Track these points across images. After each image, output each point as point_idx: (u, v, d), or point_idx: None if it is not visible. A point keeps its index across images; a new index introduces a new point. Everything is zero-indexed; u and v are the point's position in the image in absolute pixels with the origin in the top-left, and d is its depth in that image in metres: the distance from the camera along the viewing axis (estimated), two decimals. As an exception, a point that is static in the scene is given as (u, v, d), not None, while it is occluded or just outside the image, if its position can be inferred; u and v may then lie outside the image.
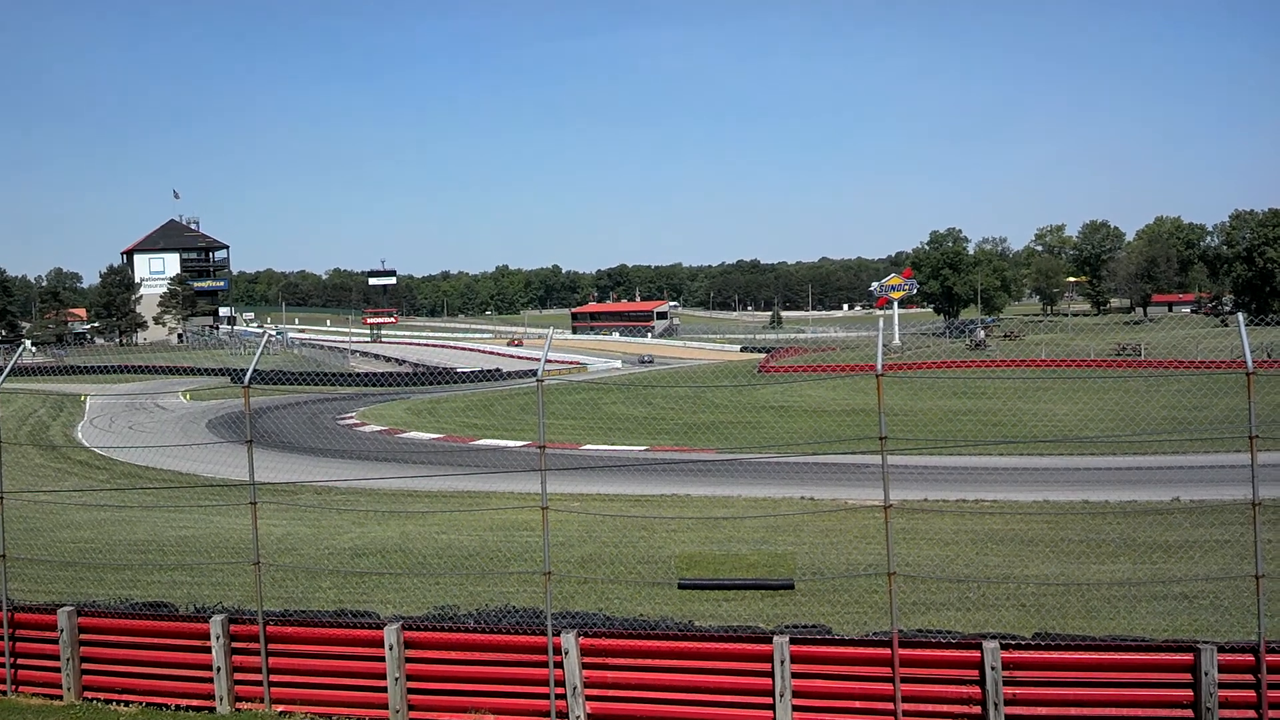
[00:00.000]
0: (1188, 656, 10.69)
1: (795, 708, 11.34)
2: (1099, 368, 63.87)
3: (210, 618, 12.94)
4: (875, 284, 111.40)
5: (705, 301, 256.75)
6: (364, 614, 13.19)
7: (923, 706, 11.19)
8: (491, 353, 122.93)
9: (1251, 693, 10.55)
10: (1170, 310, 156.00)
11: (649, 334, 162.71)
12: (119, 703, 13.08)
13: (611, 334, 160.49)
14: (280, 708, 12.59)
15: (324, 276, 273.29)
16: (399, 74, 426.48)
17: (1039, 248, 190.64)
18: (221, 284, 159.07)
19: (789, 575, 17.15)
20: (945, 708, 11.16)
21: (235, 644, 12.86)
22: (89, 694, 13.28)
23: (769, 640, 11.52)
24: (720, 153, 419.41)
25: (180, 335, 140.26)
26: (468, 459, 37.48)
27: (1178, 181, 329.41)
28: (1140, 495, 25.34)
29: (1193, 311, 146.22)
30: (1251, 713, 10.53)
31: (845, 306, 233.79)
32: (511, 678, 12.14)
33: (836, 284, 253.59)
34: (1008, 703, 10.90)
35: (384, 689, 12.25)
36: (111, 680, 13.25)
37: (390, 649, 12.20)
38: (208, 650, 12.80)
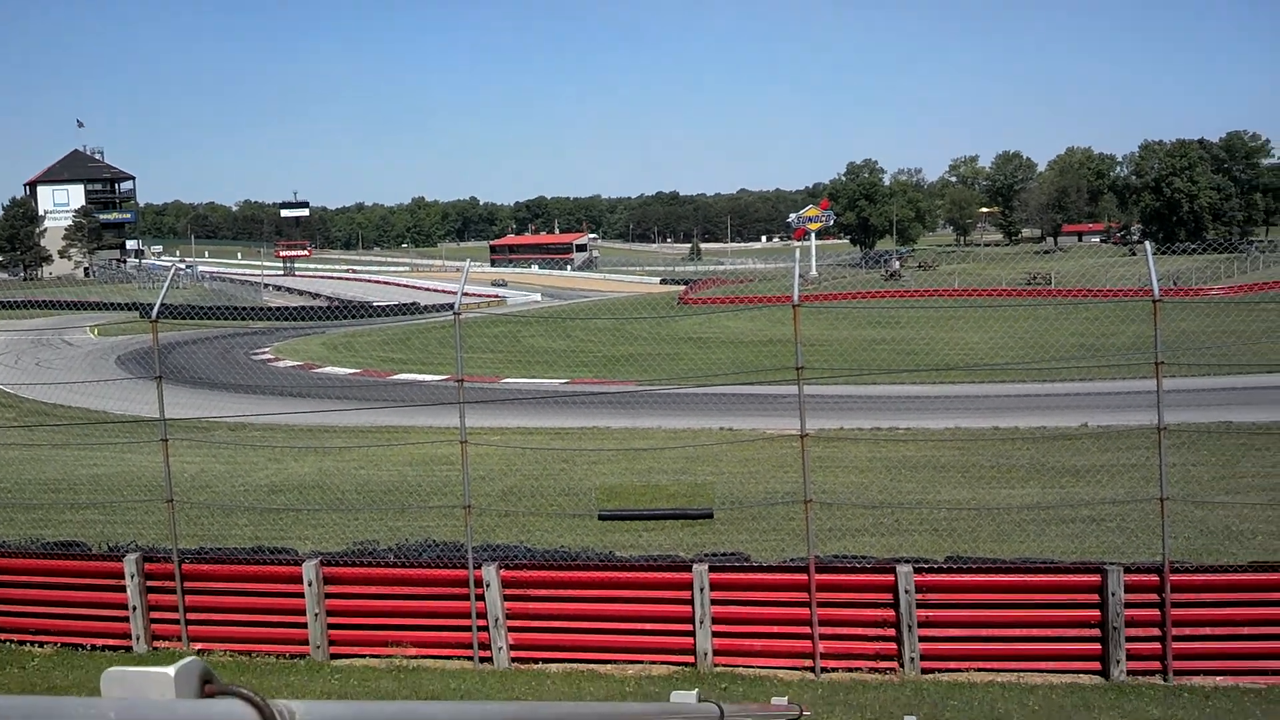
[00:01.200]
0: (1095, 577, 11.00)
1: (715, 634, 11.51)
2: (1011, 297, 64.81)
3: (124, 556, 12.77)
4: (793, 215, 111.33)
5: (625, 234, 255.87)
6: (282, 550, 13.10)
7: (839, 630, 11.42)
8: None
9: (1156, 611, 10.90)
10: (1080, 240, 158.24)
11: (568, 266, 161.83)
12: (33, 644, 12.88)
13: (531, 267, 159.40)
14: (199, 646, 12.49)
15: (234, 209, 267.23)
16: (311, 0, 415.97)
17: (953, 179, 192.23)
18: (128, 216, 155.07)
19: (708, 505, 17.28)
20: (861, 630, 11.40)
21: (150, 583, 12.71)
22: (1, 635, 13.05)
23: (689, 569, 11.65)
24: (639, 83, 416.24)
25: (87, 269, 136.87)
26: (386, 393, 37.16)
27: (1089, 112, 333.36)
28: (1050, 421, 25.86)
29: (1102, 241, 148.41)
30: (1156, 630, 10.89)
31: (764, 238, 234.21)
32: (433, 611, 12.16)
33: (755, 215, 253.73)
34: (921, 624, 11.15)
35: (304, 625, 12.20)
36: (24, 621, 13.04)
37: (309, 585, 12.14)
38: (123, 589, 12.64)
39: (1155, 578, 10.95)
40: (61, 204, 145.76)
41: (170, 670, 1.22)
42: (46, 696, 1.05)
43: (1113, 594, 10.86)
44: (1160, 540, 11.05)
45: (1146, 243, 13.46)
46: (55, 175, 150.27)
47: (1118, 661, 10.88)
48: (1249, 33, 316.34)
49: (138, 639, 12.61)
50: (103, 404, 32.20)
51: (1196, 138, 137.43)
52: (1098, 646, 11.02)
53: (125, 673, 1.24)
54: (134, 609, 12.61)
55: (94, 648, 12.68)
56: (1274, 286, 59.97)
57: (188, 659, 1.25)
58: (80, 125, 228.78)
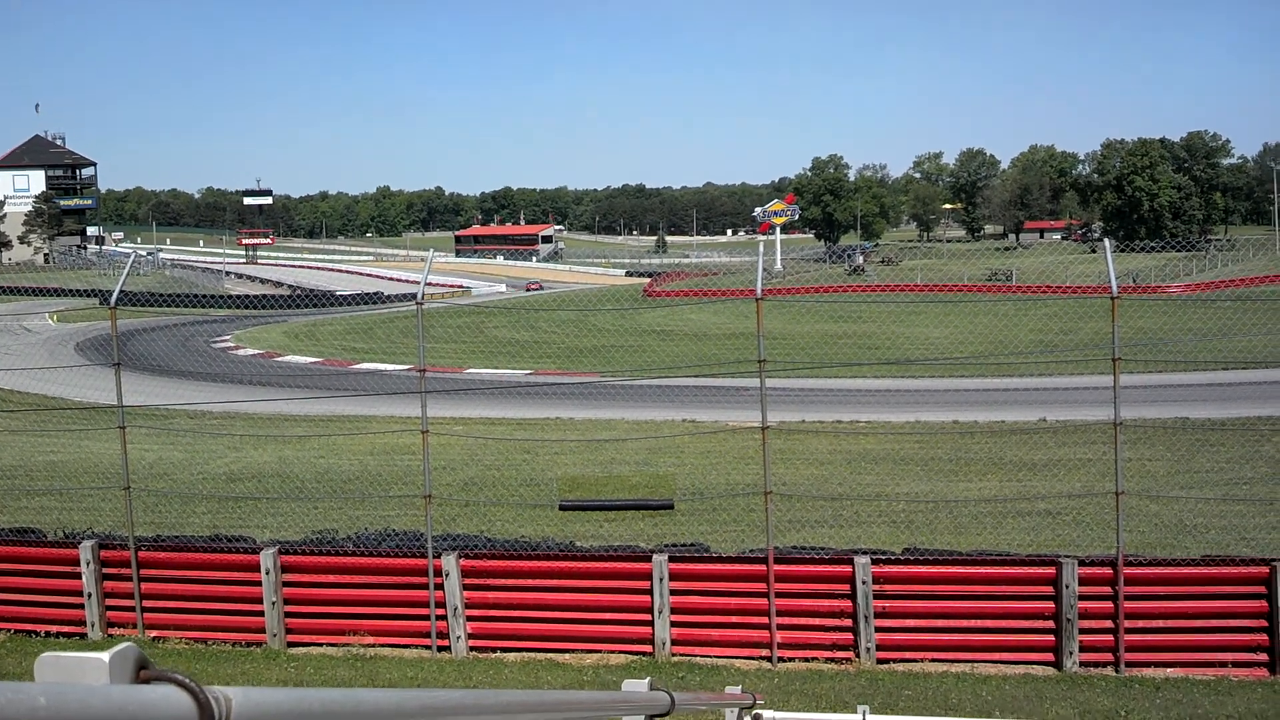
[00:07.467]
0: (1050, 570, 11.12)
1: (673, 623, 11.55)
2: (972, 292, 65.24)
3: (80, 543, 12.67)
4: (758, 209, 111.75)
5: (591, 225, 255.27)
6: (239, 538, 13.03)
7: (797, 620, 11.48)
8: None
9: (1109, 604, 11.03)
10: (1042, 237, 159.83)
11: (534, 258, 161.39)
12: (-15, 631, 12.76)
13: (496, 257, 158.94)
14: (154, 633, 12.42)
15: (197, 195, 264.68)
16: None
17: (917, 175, 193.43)
18: (89, 202, 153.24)
19: (669, 496, 17.35)
20: (818, 620, 11.47)
21: (106, 570, 12.62)
22: (-46, 623, 12.93)
23: (648, 559, 11.68)
24: (606, 75, 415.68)
25: (47, 255, 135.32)
26: (347, 383, 37.02)
27: (1052, 110, 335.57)
28: (1008, 415, 26.06)
29: (1063, 238, 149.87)
30: (1109, 622, 11.02)
31: (729, 231, 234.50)
32: (392, 600, 12.14)
33: (721, 209, 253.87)
34: (878, 615, 11.23)
35: (261, 613, 12.16)
36: (-23, 608, 12.91)
37: (267, 573, 12.09)
38: (78, 576, 12.55)
39: (1109, 570, 11.07)
40: (21, 189, 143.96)
41: (105, 655, 1.22)
42: None
43: (1067, 586, 10.98)
44: (1115, 534, 11.18)
45: (1106, 240, 13.60)
46: (15, 160, 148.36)
47: (1071, 653, 11.01)
48: (1211, 33, 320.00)
49: (93, 626, 12.52)
50: (61, 390, 31.90)
51: (1158, 137, 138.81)
52: (1052, 638, 11.14)
53: (59, 658, 1.23)
54: (89, 596, 12.52)
55: (48, 634, 12.57)
56: (1231, 285, 60.60)
57: (123, 644, 1.25)
58: (38, 110, 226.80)
